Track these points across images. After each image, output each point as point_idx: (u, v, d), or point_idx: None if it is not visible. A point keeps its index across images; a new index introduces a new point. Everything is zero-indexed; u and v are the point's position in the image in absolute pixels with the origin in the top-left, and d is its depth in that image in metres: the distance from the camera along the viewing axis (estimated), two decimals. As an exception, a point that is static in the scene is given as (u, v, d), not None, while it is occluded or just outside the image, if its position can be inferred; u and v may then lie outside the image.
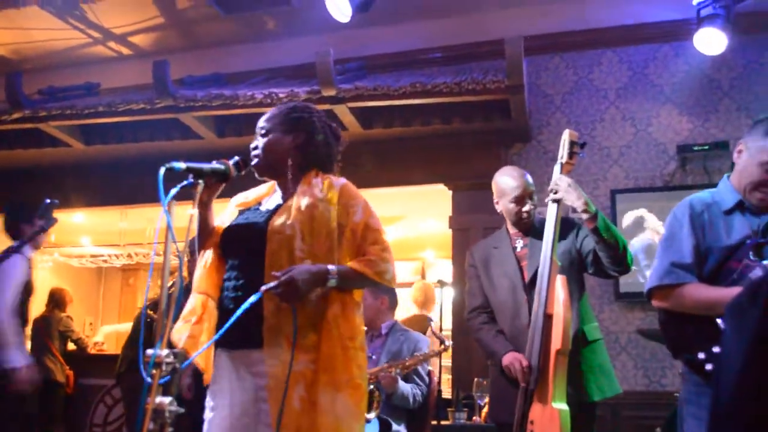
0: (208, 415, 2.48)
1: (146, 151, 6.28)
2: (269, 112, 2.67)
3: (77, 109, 5.99)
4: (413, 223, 8.54)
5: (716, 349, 2.35)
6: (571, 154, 3.22)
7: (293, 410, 2.29)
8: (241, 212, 2.68)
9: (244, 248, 2.50)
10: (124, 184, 6.65)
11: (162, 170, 1.98)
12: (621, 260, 3.12)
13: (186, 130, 6.14)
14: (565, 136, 3.24)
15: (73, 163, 6.85)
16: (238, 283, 2.46)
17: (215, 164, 2.37)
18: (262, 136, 2.61)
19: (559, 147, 3.26)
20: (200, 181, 2.17)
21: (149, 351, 1.81)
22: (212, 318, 2.51)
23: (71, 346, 7.31)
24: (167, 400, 1.80)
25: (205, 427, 2.46)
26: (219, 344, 2.47)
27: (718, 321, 2.39)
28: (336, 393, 2.34)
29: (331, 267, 2.39)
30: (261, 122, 2.64)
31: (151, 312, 5.08)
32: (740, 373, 1.28)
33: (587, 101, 6.04)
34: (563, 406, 2.97)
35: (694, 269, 2.53)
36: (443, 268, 8.66)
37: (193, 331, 2.46)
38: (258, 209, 2.65)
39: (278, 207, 2.54)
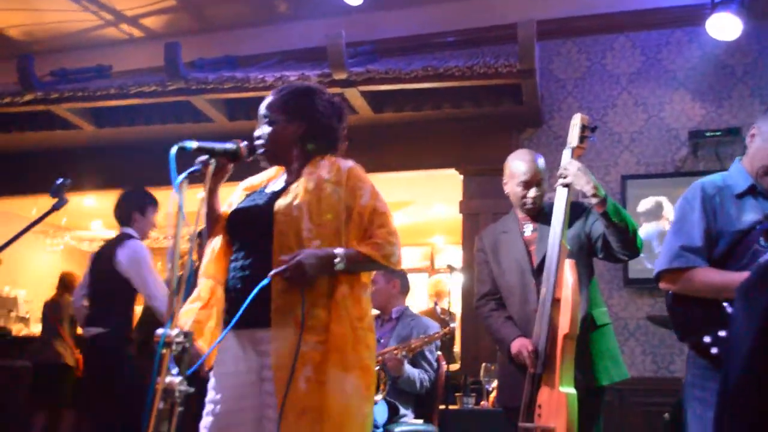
0: (211, 395, 2.48)
1: (157, 133, 6.27)
2: (270, 96, 2.64)
3: (89, 92, 5.99)
4: (423, 209, 8.54)
5: (722, 333, 2.35)
6: (581, 138, 3.20)
7: (299, 391, 2.30)
8: (248, 195, 2.68)
9: (250, 229, 2.51)
10: (135, 167, 6.62)
11: (174, 149, 1.97)
12: (631, 244, 3.11)
13: (197, 113, 6.14)
14: (576, 120, 3.22)
15: (84, 146, 6.85)
16: (245, 263, 2.47)
17: (227, 144, 2.36)
18: (267, 125, 2.58)
19: (570, 131, 3.26)
20: (212, 161, 2.17)
21: (159, 330, 1.82)
22: (220, 303, 2.52)
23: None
24: (177, 379, 1.81)
25: (209, 408, 2.47)
26: (225, 324, 2.50)
27: (725, 305, 2.39)
28: (345, 374, 2.34)
29: (338, 250, 2.39)
30: (263, 109, 2.61)
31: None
32: (749, 356, 1.28)
33: (599, 86, 6.01)
34: (571, 390, 2.97)
35: (704, 253, 2.52)
36: (453, 254, 8.66)
37: (199, 316, 2.48)
38: (263, 191, 2.65)
39: (284, 188, 2.55)
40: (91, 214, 9.06)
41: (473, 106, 5.77)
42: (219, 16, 6.98)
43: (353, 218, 2.49)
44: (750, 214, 2.53)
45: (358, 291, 2.48)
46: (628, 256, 3.21)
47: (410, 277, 4.97)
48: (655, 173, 5.72)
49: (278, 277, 2.33)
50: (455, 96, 5.75)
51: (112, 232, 9.28)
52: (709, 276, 2.49)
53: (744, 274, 2.31)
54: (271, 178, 2.72)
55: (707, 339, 2.40)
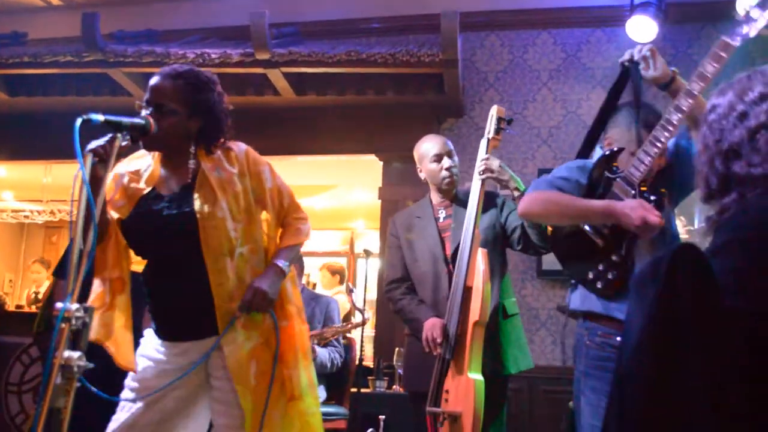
0: (130, 394, 2.45)
1: (73, 105, 6.06)
2: (167, 81, 2.44)
3: (1, 59, 5.81)
4: (344, 193, 8.55)
5: (601, 267, 2.47)
6: (497, 130, 3.26)
7: (250, 388, 2.38)
8: (137, 199, 2.47)
9: (170, 242, 2.41)
10: (49, 138, 6.39)
11: (78, 122, 1.89)
12: (542, 237, 3.17)
13: (115, 86, 6.00)
14: (493, 112, 3.29)
15: (-4, 114, 6.64)
16: (177, 281, 2.43)
17: (135, 119, 2.25)
18: (161, 114, 2.37)
19: (487, 122, 3.31)
20: (119, 135, 2.09)
21: (58, 305, 1.77)
22: (123, 304, 2.43)
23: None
24: (76, 354, 1.77)
25: (145, 407, 2.43)
26: (164, 338, 2.48)
27: (587, 228, 2.50)
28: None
29: (279, 262, 2.50)
30: (159, 96, 2.41)
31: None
32: (639, 344, 1.32)
33: (520, 80, 6.11)
34: (478, 377, 3.03)
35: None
36: (373, 239, 8.70)
37: (104, 320, 2.37)
38: (158, 194, 2.47)
39: (188, 189, 2.44)
40: (2, 184, 8.78)
41: (395, 94, 5.81)
42: (142, -12, 6.82)
43: (266, 203, 2.55)
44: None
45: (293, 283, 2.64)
46: (546, 249, 3.26)
47: (331, 261, 4.99)
48: (571, 168, 5.84)
49: (221, 291, 2.38)
50: (378, 82, 5.77)
51: (24, 204, 9.09)
52: (567, 198, 2.57)
53: (598, 201, 2.44)
54: (154, 176, 2.51)
55: (591, 275, 2.51)
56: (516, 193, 3.14)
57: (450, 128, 6.08)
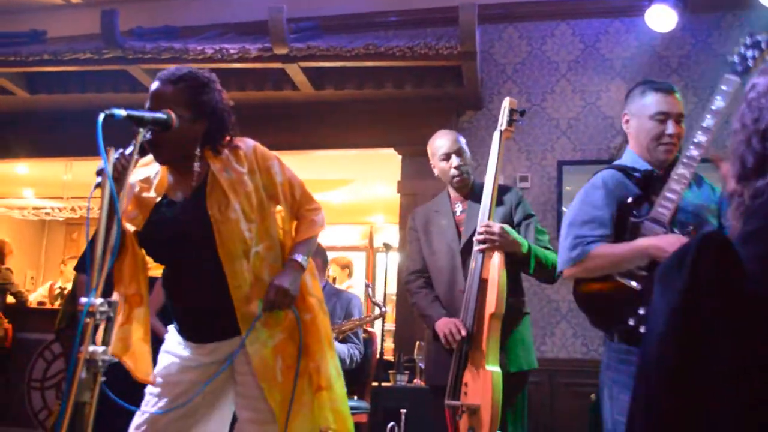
0: (155, 389, 2.47)
1: (93, 102, 6.12)
2: (167, 86, 2.37)
3: (21, 56, 5.83)
4: (363, 187, 8.55)
5: (642, 311, 2.42)
6: (510, 122, 3.28)
7: (277, 384, 2.40)
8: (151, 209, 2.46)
9: (184, 247, 2.41)
10: (69, 136, 6.45)
11: (101, 116, 1.88)
12: (549, 276, 3.25)
13: (135, 83, 6.01)
14: (505, 104, 3.30)
15: (17, 112, 6.66)
16: (194, 284, 2.44)
17: (157, 113, 2.23)
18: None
19: (500, 114, 3.32)
20: (141, 130, 2.09)
21: (82, 299, 1.78)
22: (142, 316, 2.42)
23: (10, 299, 7.19)
24: (101, 349, 1.78)
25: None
26: (187, 339, 2.49)
27: (618, 278, 2.49)
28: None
29: (297, 257, 2.49)
30: (161, 102, 2.33)
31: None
32: (664, 333, 1.31)
33: (539, 72, 6.08)
34: (496, 369, 3.01)
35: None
36: (392, 233, 8.70)
37: (122, 334, 2.35)
38: (172, 201, 2.46)
39: (199, 193, 2.42)
40: (23, 181, 8.86)
41: (414, 87, 5.79)
42: (160, -16, 6.85)
43: (279, 197, 2.54)
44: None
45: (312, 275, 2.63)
46: (545, 283, 3.37)
47: (350, 255, 4.99)
48: (591, 159, 5.81)
49: (238, 292, 2.39)
50: (397, 76, 5.76)
51: (45, 201, 9.16)
52: (600, 252, 2.54)
53: (628, 244, 2.45)
54: (164, 182, 2.50)
55: (632, 322, 2.45)
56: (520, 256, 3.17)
57: (469, 121, 6.07)
